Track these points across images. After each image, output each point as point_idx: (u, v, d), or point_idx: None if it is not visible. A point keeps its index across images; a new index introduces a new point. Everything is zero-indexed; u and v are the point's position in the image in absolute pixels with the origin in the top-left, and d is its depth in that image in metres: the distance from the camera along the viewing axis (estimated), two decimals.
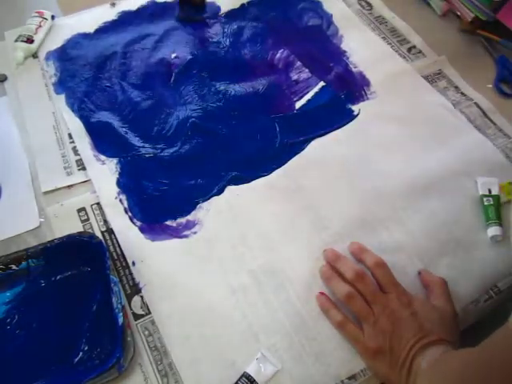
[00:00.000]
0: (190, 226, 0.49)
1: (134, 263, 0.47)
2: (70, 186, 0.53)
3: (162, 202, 0.51)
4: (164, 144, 0.55)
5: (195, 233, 0.49)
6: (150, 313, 0.44)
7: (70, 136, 0.56)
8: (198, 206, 0.51)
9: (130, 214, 0.50)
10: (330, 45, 0.66)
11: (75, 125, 0.57)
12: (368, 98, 0.60)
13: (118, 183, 0.52)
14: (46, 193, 0.52)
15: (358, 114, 0.59)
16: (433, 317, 0.40)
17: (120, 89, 0.60)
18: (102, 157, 0.54)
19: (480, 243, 0.48)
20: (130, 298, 0.45)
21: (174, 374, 0.41)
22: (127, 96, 0.59)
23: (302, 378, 0.41)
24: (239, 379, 0.40)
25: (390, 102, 0.60)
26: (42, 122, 0.58)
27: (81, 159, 0.54)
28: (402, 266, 0.46)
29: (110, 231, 0.49)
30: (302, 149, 0.55)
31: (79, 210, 0.50)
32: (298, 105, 0.60)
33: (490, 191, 0.51)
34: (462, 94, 0.61)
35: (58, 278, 0.45)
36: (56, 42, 0.66)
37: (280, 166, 0.54)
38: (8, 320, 0.43)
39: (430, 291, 0.44)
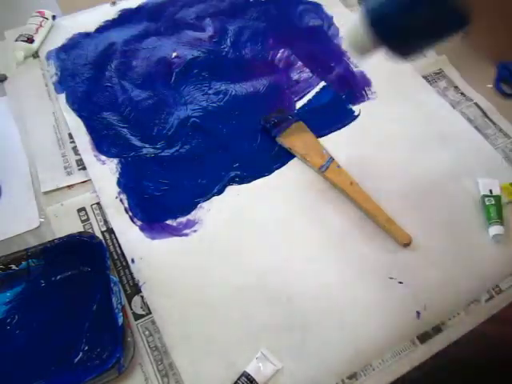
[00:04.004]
0: (190, 225, 0.49)
1: (133, 260, 0.47)
2: (70, 186, 0.52)
3: (162, 201, 0.51)
4: (164, 144, 0.55)
5: (195, 231, 0.49)
6: (150, 313, 0.44)
7: (70, 136, 0.56)
8: (199, 205, 0.51)
9: (130, 213, 0.50)
10: (330, 45, 0.66)
11: (75, 124, 0.57)
12: (369, 98, 0.60)
13: (119, 183, 0.52)
14: (46, 193, 0.52)
15: (358, 115, 0.59)
16: None
17: (120, 88, 0.60)
18: (103, 157, 0.54)
19: (481, 243, 0.48)
20: (130, 298, 0.45)
21: (174, 374, 0.41)
22: (128, 95, 0.59)
23: (302, 377, 0.41)
24: (239, 378, 0.40)
25: (391, 103, 0.60)
26: (42, 122, 0.57)
27: (81, 159, 0.54)
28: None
29: (110, 231, 0.49)
30: None
31: (79, 210, 0.50)
32: (299, 105, 0.60)
33: (491, 192, 0.51)
34: (462, 94, 0.61)
35: (58, 278, 0.45)
36: (57, 42, 0.65)
37: (280, 167, 0.54)
38: (8, 320, 0.43)
39: None
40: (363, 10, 0.37)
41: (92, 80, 0.61)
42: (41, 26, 0.65)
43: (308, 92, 0.61)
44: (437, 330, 0.44)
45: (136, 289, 0.45)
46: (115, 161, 0.54)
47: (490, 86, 0.63)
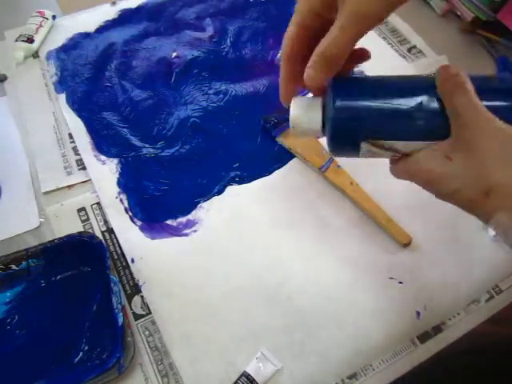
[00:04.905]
0: (190, 224, 0.49)
1: (132, 260, 0.47)
2: (70, 186, 0.52)
3: (162, 201, 0.51)
4: (164, 144, 0.55)
5: (195, 231, 0.49)
6: (150, 313, 0.44)
7: (70, 136, 0.56)
8: (199, 205, 0.51)
9: (130, 213, 0.50)
10: None
11: (75, 124, 0.57)
12: None
13: (119, 183, 0.52)
14: (46, 193, 0.52)
15: None
16: None
17: (120, 88, 0.60)
18: (103, 157, 0.54)
19: (481, 243, 0.48)
20: (130, 298, 0.45)
21: (174, 374, 0.41)
22: (128, 95, 0.59)
23: (302, 376, 0.41)
24: (239, 378, 0.40)
25: None
26: (42, 122, 0.57)
27: (81, 159, 0.54)
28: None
29: (110, 231, 0.49)
30: None
31: (79, 210, 0.50)
32: None
33: None
34: None
35: (58, 278, 0.45)
36: (57, 42, 0.66)
37: (280, 167, 0.54)
38: (8, 320, 0.43)
39: None
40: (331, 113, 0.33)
41: (92, 80, 0.61)
42: (41, 25, 0.65)
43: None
44: (437, 329, 0.44)
45: (136, 289, 0.45)
46: (115, 161, 0.54)
47: None
